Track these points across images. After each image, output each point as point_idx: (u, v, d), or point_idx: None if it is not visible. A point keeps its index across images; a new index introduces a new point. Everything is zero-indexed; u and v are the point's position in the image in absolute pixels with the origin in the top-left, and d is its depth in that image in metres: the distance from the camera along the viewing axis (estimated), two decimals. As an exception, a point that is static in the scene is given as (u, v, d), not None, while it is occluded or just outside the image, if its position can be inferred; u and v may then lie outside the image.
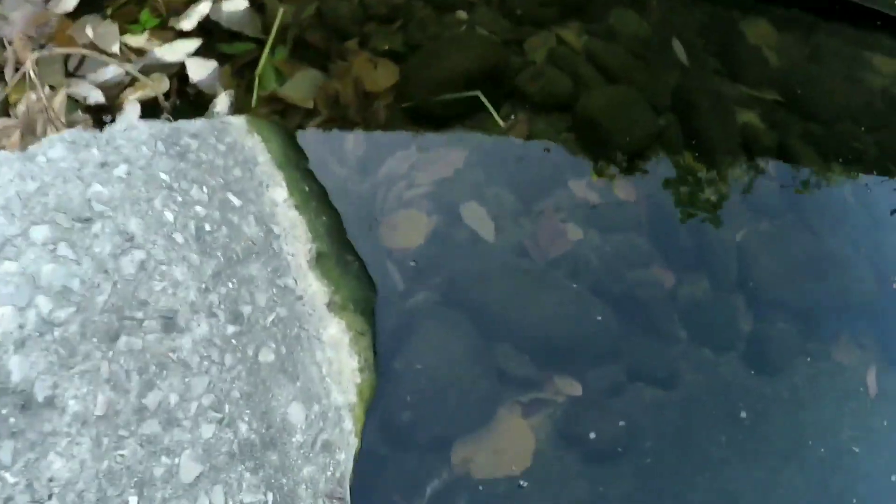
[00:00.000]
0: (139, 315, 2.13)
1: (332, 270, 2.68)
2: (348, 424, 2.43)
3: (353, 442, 2.44)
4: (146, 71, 3.27)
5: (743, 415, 3.07)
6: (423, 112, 3.39)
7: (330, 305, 2.59)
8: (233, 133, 2.81)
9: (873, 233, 3.85)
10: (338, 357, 2.51)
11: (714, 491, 2.93)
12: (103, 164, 2.33)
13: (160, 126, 2.57)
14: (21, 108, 2.84)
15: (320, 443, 2.33)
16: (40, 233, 2.10)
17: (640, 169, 3.54)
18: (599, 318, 3.07)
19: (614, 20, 3.99)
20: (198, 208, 2.42)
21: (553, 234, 3.22)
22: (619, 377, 2.99)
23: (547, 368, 2.92)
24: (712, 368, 3.13)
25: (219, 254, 2.38)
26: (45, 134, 2.74)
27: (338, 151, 3.21)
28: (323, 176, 3.08)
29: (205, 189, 2.49)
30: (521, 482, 2.70)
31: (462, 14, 3.75)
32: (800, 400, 3.19)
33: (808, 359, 3.28)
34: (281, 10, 3.52)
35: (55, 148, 2.30)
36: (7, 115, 2.92)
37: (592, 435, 2.84)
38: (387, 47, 3.53)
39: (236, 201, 2.56)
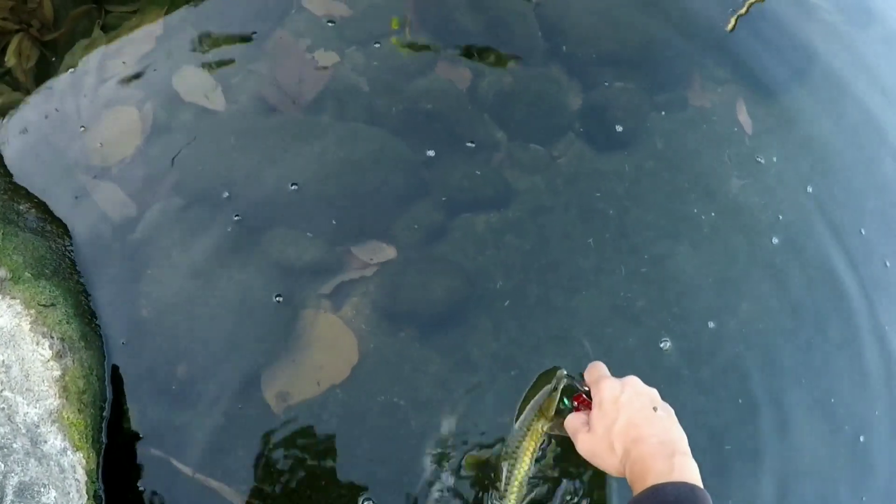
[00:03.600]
0: None
1: (-14, 235, 1.78)
2: (57, 441, 1.58)
3: (75, 459, 1.59)
4: None
5: (608, 211, 2.25)
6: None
7: (-6, 285, 1.70)
8: None
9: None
10: (17, 354, 1.64)
11: (600, 310, 2.14)
12: None
13: None
14: None
15: (11, 492, 1.48)
16: None
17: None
18: (388, 150, 2.20)
19: None
20: None
21: (300, 69, 2.31)
22: (436, 216, 2.14)
23: (340, 240, 2.07)
24: (549, 164, 2.29)
25: None
26: None
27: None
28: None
29: None
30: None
31: None
32: (670, 165, 2.37)
33: (663, 113, 2.44)
34: None
35: None
36: None
37: (419, 299, 2.03)
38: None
39: None
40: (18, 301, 1.71)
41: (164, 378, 1.88)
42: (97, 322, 1.86)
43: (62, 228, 1.95)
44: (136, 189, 2.10)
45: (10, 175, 2.04)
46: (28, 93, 2.25)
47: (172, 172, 2.14)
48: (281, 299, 1.98)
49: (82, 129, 2.17)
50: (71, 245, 1.95)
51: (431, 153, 2.25)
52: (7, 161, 2.08)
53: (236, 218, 2.06)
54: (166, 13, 2.38)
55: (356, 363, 1.97)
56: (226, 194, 2.10)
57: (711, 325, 2.17)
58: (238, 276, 2.00)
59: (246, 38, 2.35)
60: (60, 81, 2.27)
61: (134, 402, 1.84)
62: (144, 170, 2.14)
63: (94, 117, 2.21)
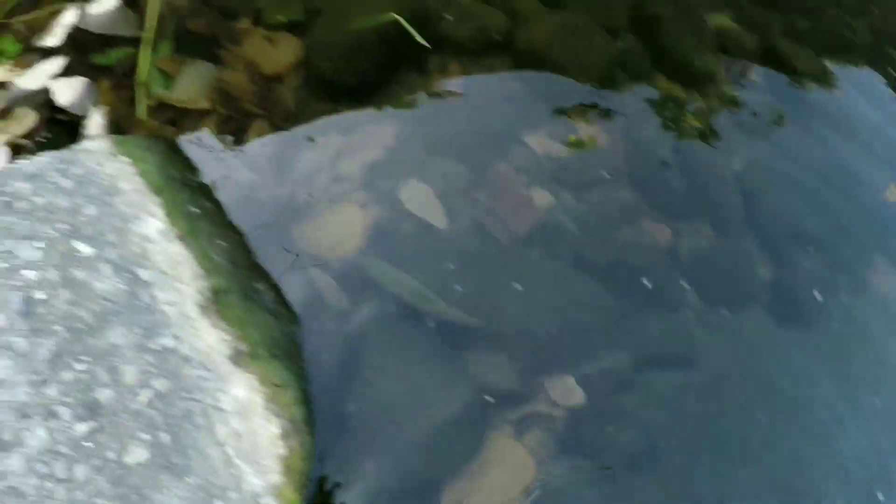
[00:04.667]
0: (-58, 440, 1.39)
1: (233, 310, 1.93)
2: (274, 515, 1.68)
3: (286, 537, 1.69)
4: (13, 106, 2.52)
5: (784, 386, 2.31)
6: (337, 86, 2.61)
7: (234, 358, 1.84)
8: (85, 162, 2.06)
9: (886, 130, 3.03)
10: (249, 426, 1.76)
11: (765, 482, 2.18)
12: None
13: (-23, 174, 1.82)
14: None
15: (233, 555, 1.58)
16: None
17: (606, 105, 2.75)
18: (589, 297, 2.30)
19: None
20: (26, 273, 1.68)
21: (517, 203, 2.45)
22: (625, 367, 2.23)
23: (535, 373, 2.17)
24: (735, 331, 2.37)
25: (58, 328, 1.64)
26: None
27: (240, 155, 2.43)
28: (222, 189, 2.31)
29: (37, 245, 1.74)
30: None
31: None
32: (845, 347, 2.42)
33: (845, 295, 2.50)
34: (158, 2, 2.74)
35: None
36: None
37: (601, 447, 2.10)
38: (284, 19, 2.74)
39: (86, 250, 1.81)
40: (255, 377, 1.83)
41: (353, 471, 1.97)
42: (312, 408, 1.97)
43: (292, 313, 2.08)
44: (354, 286, 2.23)
45: (250, 252, 2.18)
46: (262, 175, 2.42)
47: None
48: (472, 416, 2.07)
49: (310, 219, 2.32)
50: (299, 330, 2.07)
51: (629, 303, 2.34)
52: (249, 238, 2.23)
53: (443, 331, 2.17)
54: (399, 126, 2.54)
55: (531, 492, 2.03)
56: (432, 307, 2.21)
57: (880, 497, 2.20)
58: (437, 386, 2.10)
59: (470, 165, 2.49)
60: (297, 171, 2.43)
61: (331, 488, 1.94)
62: (355, 269, 2.26)
63: (322, 211, 2.37)
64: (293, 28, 2.72)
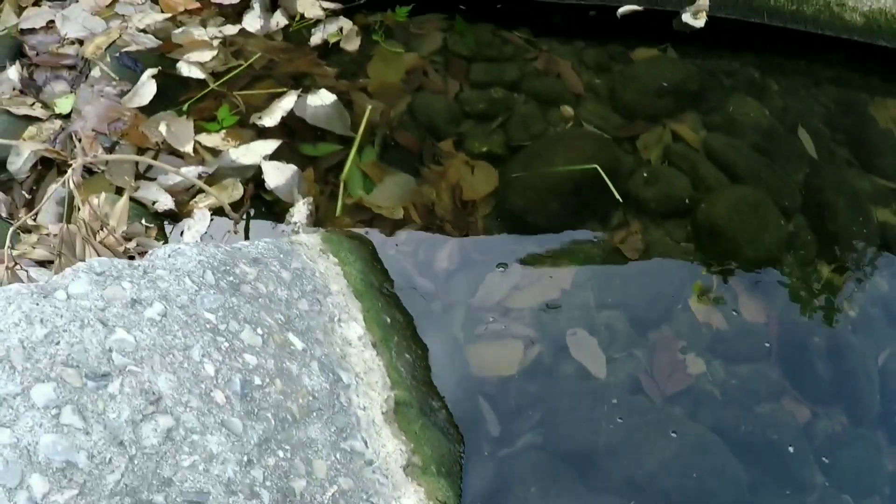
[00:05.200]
0: (159, 499, 1.56)
1: (412, 423, 2.07)
2: None
3: None
4: (221, 174, 2.74)
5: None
6: (526, 223, 2.76)
7: (408, 469, 1.98)
8: (302, 256, 2.23)
9: None
10: (413, 538, 1.88)
11: None
12: (134, 303, 1.76)
13: (212, 251, 2.01)
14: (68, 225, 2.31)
15: None
16: (42, 393, 1.54)
17: (769, 284, 2.85)
18: (724, 466, 2.38)
19: (734, 109, 3.30)
20: (247, 357, 1.84)
21: (672, 366, 2.56)
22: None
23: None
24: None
25: (269, 415, 1.79)
26: (83, 256, 2.20)
27: (428, 271, 2.60)
28: (409, 302, 2.48)
29: (259, 331, 1.91)
30: None
31: (568, 109, 3.14)
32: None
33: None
34: (369, 108, 2.96)
35: (79, 281, 1.76)
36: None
37: None
38: (485, 149, 2.92)
39: (298, 344, 1.97)
40: (423, 490, 1.96)
41: None
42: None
43: (459, 434, 2.21)
44: (505, 414, 2.36)
45: (430, 369, 2.33)
46: (447, 295, 2.58)
47: (539, 413, 2.39)
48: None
49: (481, 345, 2.46)
50: (463, 452, 2.20)
51: (760, 476, 2.42)
52: (430, 354, 2.38)
53: (585, 472, 2.28)
54: (576, 274, 2.68)
55: None
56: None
57: None
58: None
59: (636, 323, 2.62)
60: (477, 296, 2.58)
61: None
62: (516, 401, 2.39)
63: (485, 339, 2.50)
64: (492, 159, 2.90)
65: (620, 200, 2.83)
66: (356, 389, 2.02)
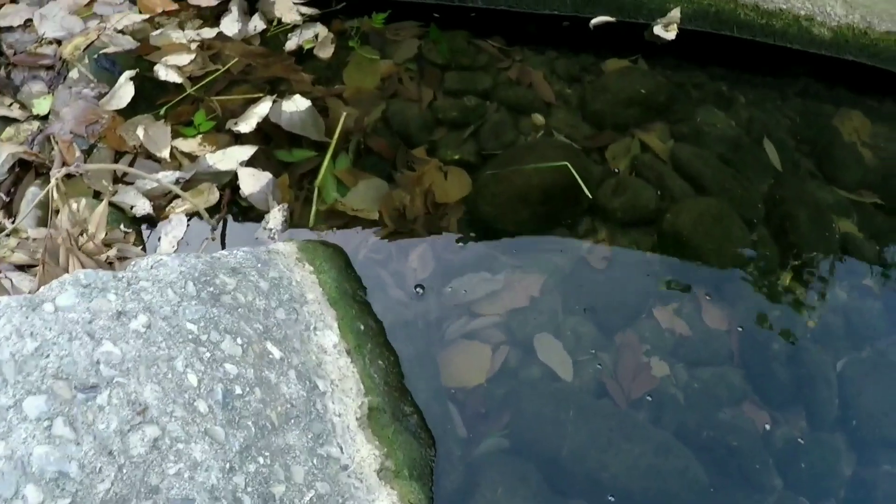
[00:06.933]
0: (147, 507, 1.63)
1: (385, 428, 2.17)
2: None
3: None
4: (198, 180, 2.81)
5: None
6: (495, 229, 2.88)
7: (381, 473, 2.08)
8: (279, 265, 2.32)
9: None
10: (386, 542, 1.98)
11: None
12: (119, 315, 1.85)
13: (192, 262, 2.10)
14: (46, 230, 2.38)
15: None
16: (35, 405, 1.63)
17: (732, 292, 2.97)
18: (686, 468, 2.50)
19: (701, 120, 3.42)
20: (228, 367, 1.93)
21: (636, 370, 2.67)
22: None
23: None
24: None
25: (250, 423, 1.88)
26: (67, 268, 2.28)
27: (400, 277, 2.70)
28: (382, 308, 2.57)
29: (239, 341, 2.00)
30: None
31: (539, 118, 3.24)
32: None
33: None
34: (343, 115, 3.05)
35: (66, 293, 1.84)
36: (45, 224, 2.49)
37: None
38: (457, 157, 3.02)
39: (277, 353, 2.06)
40: (396, 494, 2.06)
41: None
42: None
43: (431, 440, 2.31)
44: (473, 418, 2.46)
45: (403, 376, 2.43)
46: (417, 300, 2.67)
47: (507, 416, 2.50)
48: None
49: (451, 350, 2.57)
50: (434, 456, 2.30)
51: (720, 479, 2.54)
52: (401, 360, 2.48)
53: (550, 474, 2.39)
54: (546, 278, 2.79)
55: None
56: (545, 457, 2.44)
57: None
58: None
59: (602, 328, 2.73)
60: (446, 302, 2.69)
61: None
62: (484, 405, 2.50)
63: (454, 344, 2.61)
64: (464, 167, 3.00)
65: (591, 197, 2.94)
66: (332, 396, 2.12)
